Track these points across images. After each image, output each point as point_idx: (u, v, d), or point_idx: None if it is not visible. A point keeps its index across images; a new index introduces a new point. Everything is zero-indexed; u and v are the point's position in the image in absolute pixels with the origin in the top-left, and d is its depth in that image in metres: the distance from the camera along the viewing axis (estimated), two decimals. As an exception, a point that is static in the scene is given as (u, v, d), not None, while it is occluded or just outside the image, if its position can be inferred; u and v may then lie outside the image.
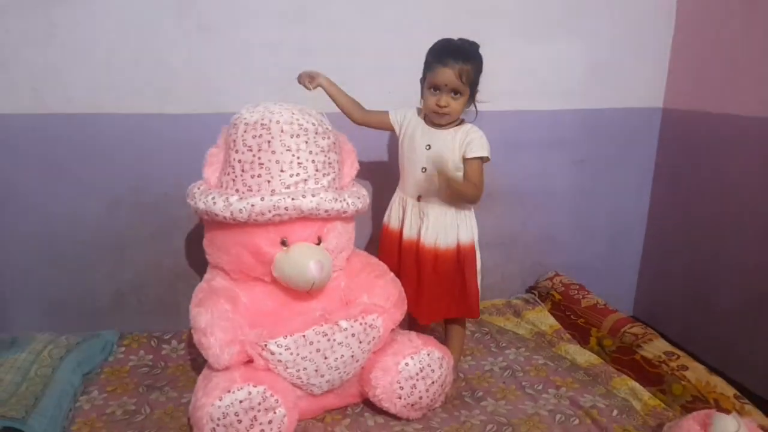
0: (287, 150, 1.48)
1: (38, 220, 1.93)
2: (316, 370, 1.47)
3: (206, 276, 1.65)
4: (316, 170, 1.51)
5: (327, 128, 1.57)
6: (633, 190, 2.45)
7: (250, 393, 1.36)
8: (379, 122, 1.72)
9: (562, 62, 2.22)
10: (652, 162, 2.42)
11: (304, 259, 1.47)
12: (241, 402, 1.35)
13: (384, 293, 1.60)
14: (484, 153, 1.62)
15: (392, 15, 2.01)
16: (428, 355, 1.55)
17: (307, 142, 1.50)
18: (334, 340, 1.47)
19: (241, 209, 1.43)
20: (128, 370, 1.80)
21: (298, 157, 1.49)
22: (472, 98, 1.63)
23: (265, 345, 1.42)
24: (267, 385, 1.39)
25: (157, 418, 1.57)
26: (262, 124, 1.48)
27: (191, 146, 1.93)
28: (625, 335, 1.91)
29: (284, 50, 1.94)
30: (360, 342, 1.50)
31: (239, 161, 1.49)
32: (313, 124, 1.53)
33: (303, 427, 1.53)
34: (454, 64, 1.54)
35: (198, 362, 1.72)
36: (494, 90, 2.13)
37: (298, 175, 1.48)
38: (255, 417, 1.37)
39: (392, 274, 1.67)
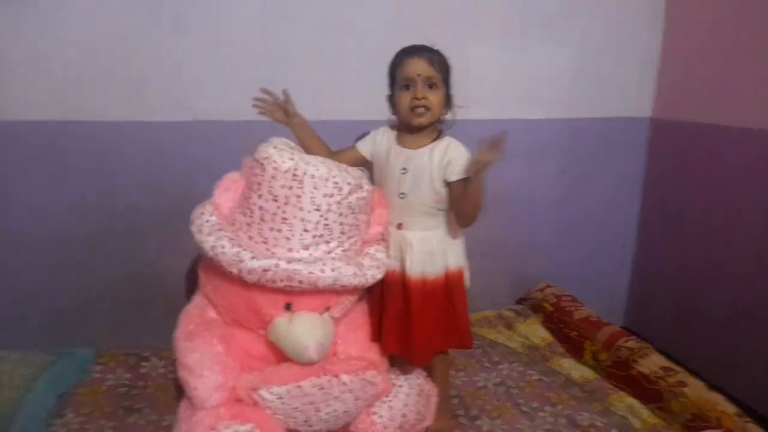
0: (316, 209, 1.36)
1: (4, 227, 1.84)
2: (305, 421, 1.39)
3: (196, 300, 1.55)
4: (342, 232, 1.40)
5: (363, 186, 1.43)
6: (621, 199, 2.42)
7: (236, 431, 1.28)
8: (348, 160, 1.53)
9: (547, 70, 2.18)
10: (641, 172, 2.40)
11: (305, 339, 1.36)
12: None
13: (365, 347, 1.53)
14: (460, 176, 1.44)
15: (372, 18, 1.95)
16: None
17: (339, 203, 1.38)
18: (330, 393, 1.37)
19: (251, 270, 1.31)
20: (105, 390, 1.71)
21: (326, 219, 1.37)
22: (447, 100, 1.49)
23: (257, 390, 1.34)
24: (255, 423, 1.31)
25: (136, 443, 1.49)
26: (294, 175, 1.35)
27: (162, 154, 1.87)
28: (620, 349, 1.88)
29: (261, 53, 1.88)
30: (356, 399, 1.41)
31: (260, 208, 1.37)
32: (350, 183, 1.39)
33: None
34: (423, 53, 1.43)
35: (180, 382, 1.64)
36: (477, 98, 2.08)
37: (321, 236, 1.38)
38: None
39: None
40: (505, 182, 2.22)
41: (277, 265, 1.31)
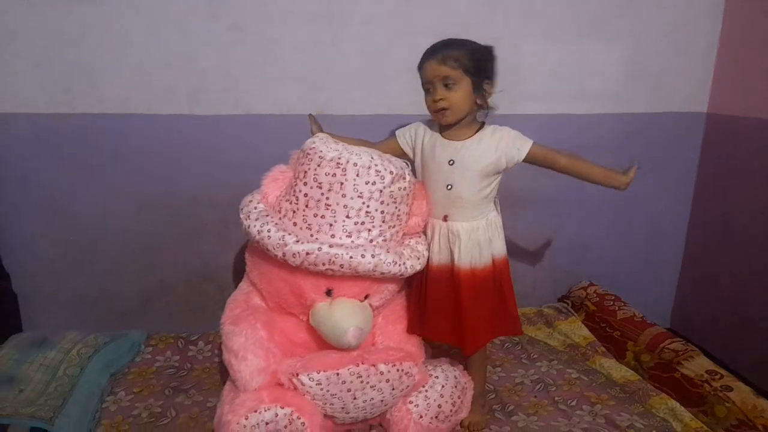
0: (358, 196, 1.40)
1: (68, 220, 1.95)
2: (343, 408, 1.43)
3: (242, 286, 1.62)
4: (383, 221, 1.44)
5: (404, 177, 1.46)
6: (673, 197, 2.35)
7: (276, 414, 1.33)
8: (390, 151, 1.55)
9: (602, 64, 2.13)
10: (694, 169, 2.32)
11: (345, 324, 1.41)
12: (267, 424, 1.32)
13: (418, 342, 1.58)
14: (528, 140, 1.50)
15: (422, 15, 1.95)
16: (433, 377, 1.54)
17: (381, 191, 1.42)
18: (368, 382, 1.41)
19: (295, 253, 1.37)
20: (155, 371, 1.80)
21: (368, 206, 1.41)
22: (479, 90, 1.45)
23: (297, 375, 1.39)
24: (294, 407, 1.35)
25: (182, 422, 1.56)
26: (338, 163, 1.40)
27: (220, 148, 1.95)
28: (665, 351, 1.83)
29: (314, 51, 1.91)
30: (393, 388, 1.45)
31: (305, 195, 1.43)
32: (391, 173, 1.43)
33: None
34: (437, 54, 1.42)
35: (224, 366, 1.70)
36: (529, 93, 2.09)
37: (363, 224, 1.42)
38: None
39: None
40: (557, 179, 2.17)
41: (320, 249, 1.36)
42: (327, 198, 1.40)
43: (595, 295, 2.20)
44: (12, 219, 1.92)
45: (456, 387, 1.55)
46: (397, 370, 1.43)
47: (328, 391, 1.39)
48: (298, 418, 1.34)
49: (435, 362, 1.60)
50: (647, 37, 2.14)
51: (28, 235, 1.94)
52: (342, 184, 1.40)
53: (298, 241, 1.38)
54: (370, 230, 1.43)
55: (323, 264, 1.37)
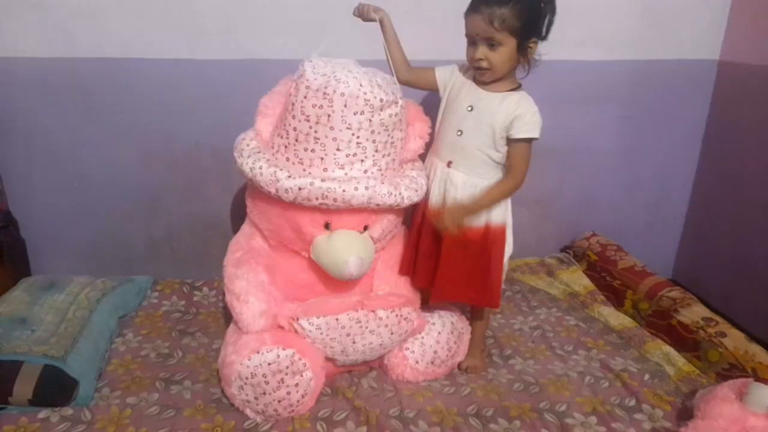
0: (347, 128, 1.36)
1: (73, 166, 1.96)
2: (342, 351, 1.46)
3: (244, 229, 1.63)
4: (376, 150, 1.41)
5: (396, 102, 1.41)
6: (680, 148, 2.31)
7: (278, 356, 1.36)
8: (424, 82, 1.54)
9: (611, 8, 2.05)
10: (704, 119, 2.28)
11: (345, 254, 1.40)
12: (269, 364, 1.36)
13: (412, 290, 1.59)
14: (535, 134, 1.41)
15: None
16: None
17: (371, 120, 1.37)
18: (366, 327, 1.44)
19: (287, 189, 1.36)
20: (161, 314, 1.85)
21: (358, 137, 1.37)
22: (523, 51, 1.38)
23: (297, 319, 1.42)
24: (296, 348, 1.39)
25: (189, 362, 1.61)
26: (324, 94, 1.35)
27: (221, 94, 1.93)
28: (663, 299, 1.85)
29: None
30: (392, 333, 1.48)
31: (294, 129, 1.39)
32: (381, 100, 1.36)
33: (330, 376, 1.54)
34: (484, 9, 1.32)
35: (228, 310, 1.75)
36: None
37: (355, 155, 1.39)
38: (282, 379, 1.37)
39: None
40: (564, 129, 2.16)
41: (311, 184, 1.35)
42: (315, 131, 1.37)
43: (597, 245, 2.21)
44: (17, 166, 1.94)
45: (452, 332, 1.58)
46: (396, 316, 1.46)
47: (327, 335, 1.43)
48: (300, 359, 1.38)
49: (432, 307, 1.62)
50: (659, -20, 2.06)
51: (34, 182, 1.97)
52: (329, 116, 1.36)
53: (289, 177, 1.36)
54: (362, 161, 1.40)
55: (316, 198, 1.36)
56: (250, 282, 1.45)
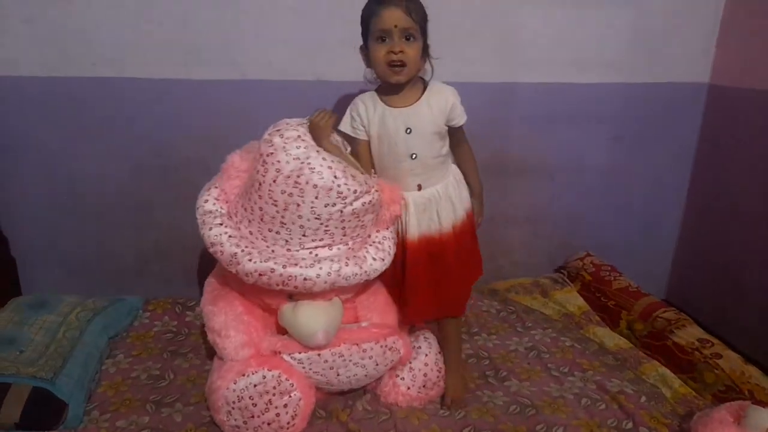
0: (316, 218, 1.32)
1: (64, 184, 1.95)
2: (327, 382, 1.45)
3: (216, 271, 1.60)
4: (344, 235, 1.38)
5: (370, 191, 1.35)
6: (672, 169, 2.34)
7: (264, 377, 1.35)
8: (366, 154, 1.47)
9: (603, 33, 2.10)
10: (695, 141, 2.31)
11: (311, 328, 1.37)
12: (255, 386, 1.34)
13: (384, 318, 1.54)
14: (465, 117, 1.45)
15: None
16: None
17: (342, 211, 1.33)
18: (350, 360, 1.42)
19: (247, 273, 1.32)
20: (153, 335, 1.82)
21: (327, 226, 1.34)
22: (425, 53, 1.39)
23: (278, 353, 1.40)
24: (282, 369, 1.37)
25: (180, 383, 1.59)
26: (296, 182, 1.29)
27: (214, 112, 1.93)
28: (657, 320, 1.85)
29: (311, 14, 1.88)
30: (377, 364, 1.46)
31: (260, 209, 1.34)
32: (355, 192, 1.32)
33: (323, 398, 1.52)
34: (399, 2, 1.30)
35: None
36: (529, 61, 2.07)
37: (321, 240, 1.36)
38: (270, 401, 1.35)
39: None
40: (555, 149, 2.19)
41: (272, 270, 1.31)
42: (282, 217, 1.33)
43: (591, 265, 2.22)
44: (8, 184, 1.93)
45: (439, 353, 1.58)
46: (381, 347, 1.45)
47: (310, 368, 1.41)
48: (287, 379, 1.37)
49: (416, 332, 1.61)
50: (649, 4, 2.10)
51: (25, 200, 1.95)
52: (299, 205, 1.31)
53: (250, 260, 1.32)
54: (329, 245, 1.37)
55: (277, 285, 1.32)
56: (228, 315, 1.44)
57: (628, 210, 2.36)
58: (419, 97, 1.41)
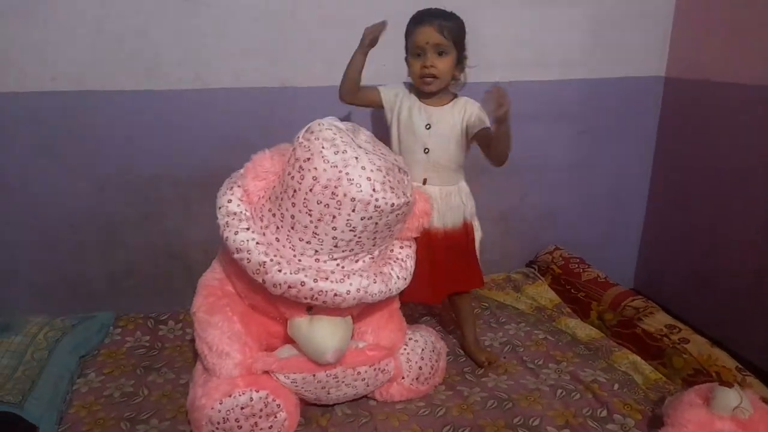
0: (351, 230, 1.28)
1: (26, 201, 1.90)
2: (316, 398, 1.45)
3: (215, 268, 1.52)
4: (373, 245, 1.36)
5: (407, 202, 1.33)
6: (634, 161, 2.41)
7: (251, 398, 1.33)
8: (368, 101, 1.60)
9: (561, 29, 2.14)
10: (654, 133, 2.38)
11: (326, 345, 1.34)
12: (242, 408, 1.32)
13: (392, 336, 1.53)
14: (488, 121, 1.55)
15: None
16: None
17: (377, 224, 1.30)
18: (343, 381, 1.42)
19: (275, 284, 1.27)
20: (125, 351, 1.78)
21: (359, 237, 1.31)
22: (460, 63, 1.54)
23: (273, 373, 1.39)
24: (269, 389, 1.35)
25: (155, 399, 1.56)
26: (333, 194, 1.24)
27: (179, 124, 1.91)
28: (626, 309, 1.90)
29: (274, 20, 1.88)
30: (368, 385, 1.47)
31: (292, 216, 1.28)
32: (392, 205, 1.28)
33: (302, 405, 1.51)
34: (433, 21, 1.47)
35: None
36: (491, 60, 2.08)
37: (351, 250, 1.33)
38: (256, 423, 1.33)
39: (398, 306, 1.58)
40: (522, 146, 2.19)
41: (302, 284, 1.27)
42: (315, 227, 1.28)
43: (560, 258, 2.26)
44: (-34, 204, 1.87)
45: (433, 351, 1.59)
46: (374, 369, 1.45)
47: (303, 387, 1.41)
48: (274, 400, 1.35)
49: (412, 328, 1.63)
50: (605, 2, 2.15)
51: (-16, 221, 1.89)
52: (334, 217, 1.26)
53: (280, 270, 1.27)
54: (358, 254, 1.35)
55: (305, 298, 1.29)
56: (224, 332, 1.40)
57: (593, 203, 2.41)
58: (447, 103, 1.57)
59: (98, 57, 1.81)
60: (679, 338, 1.70)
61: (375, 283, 1.35)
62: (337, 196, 1.25)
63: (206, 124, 1.92)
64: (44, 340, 1.66)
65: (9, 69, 1.77)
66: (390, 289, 1.39)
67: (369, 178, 1.26)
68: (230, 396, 1.32)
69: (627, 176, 2.41)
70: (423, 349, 1.56)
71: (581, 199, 2.39)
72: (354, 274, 1.33)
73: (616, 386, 1.60)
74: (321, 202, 1.26)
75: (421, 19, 1.49)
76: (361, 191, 1.25)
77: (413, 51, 1.51)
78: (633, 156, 2.39)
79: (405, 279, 1.44)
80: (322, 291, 1.28)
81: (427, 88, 1.53)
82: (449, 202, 1.59)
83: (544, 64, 2.16)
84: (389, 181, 1.29)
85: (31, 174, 1.88)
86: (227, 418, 1.31)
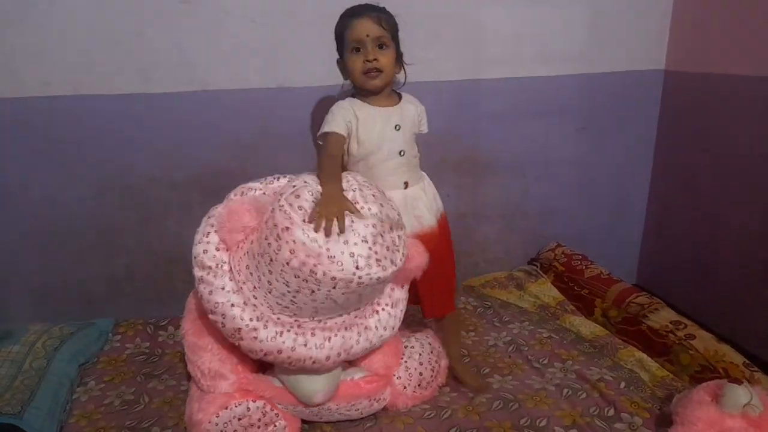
0: (332, 301, 1.22)
1: (23, 208, 1.88)
2: (310, 420, 1.44)
3: None
4: (357, 308, 1.32)
5: (395, 268, 1.23)
6: (635, 156, 2.39)
7: (248, 408, 1.32)
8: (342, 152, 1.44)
9: (561, 26, 2.13)
10: (654, 127, 2.36)
11: (311, 388, 1.33)
12: (240, 419, 1.31)
13: (386, 360, 1.49)
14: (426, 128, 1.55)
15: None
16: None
17: (360, 295, 1.24)
18: (337, 411, 1.41)
19: (251, 351, 1.23)
20: (125, 358, 1.76)
21: (342, 305, 1.26)
22: (398, 60, 1.44)
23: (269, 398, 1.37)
24: (266, 399, 1.34)
25: (156, 407, 1.54)
26: (312, 271, 1.14)
27: (177, 126, 1.89)
28: (631, 305, 1.88)
29: (268, 21, 1.85)
30: (361, 414, 1.45)
31: (269, 282, 1.20)
32: (378, 279, 1.19)
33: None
34: (370, 13, 1.36)
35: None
36: (492, 57, 2.08)
37: (334, 313, 1.28)
38: None
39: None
40: (524, 143, 2.21)
41: (280, 351, 1.23)
42: (294, 297, 1.20)
43: (563, 255, 2.24)
44: (-38, 212, 1.84)
45: (432, 353, 1.57)
46: (369, 400, 1.43)
47: (296, 413, 1.40)
48: (271, 409, 1.34)
49: (407, 331, 1.60)
50: (604, -3, 2.14)
51: (-19, 228, 1.87)
52: (313, 291, 1.18)
53: (256, 338, 1.22)
54: (340, 315, 1.30)
55: (283, 363, 1.26)
56: (215, 354, 1.37)
57: (595, 198, 2.40)
58: (398, 101, 1.48)
59: (92, 61, 1.79)
60: (685, 334, 1.68)
61: (358, 343, 1.31)
62: (315, 274, 1.15)
63: (204, 126, 1.90)
64: (43, 348, 1.64)
65: (6, 75, 1.75)
66: (374, 344, 1.34)
67: (352, 254, 1.17)
68: (226, 408, 1.31)
69: (628, 171, 2.40)
70: (420, 354, 1.53)
71: (582, 195, 2.37)
72: (337, 334, 1.28)
73: (622, 384, 1.58)
74: (299, 277, 1.16)
75: (358, 11, 1.38)
76: (342, 270, 1.15)
77: (351, 46, 1.38)
78: (634, 151, 2.37)
79: (393, 328, 1.38)
80: (300, 359, 1.24)
81: (371, 83, 1.39)
82: (431, 194, 1.54)
83: (544, 60, 2.14)
84: (375, 253, 1.20)
85: (30, 179, 1.85)
86: (225, 431, 1.30)
